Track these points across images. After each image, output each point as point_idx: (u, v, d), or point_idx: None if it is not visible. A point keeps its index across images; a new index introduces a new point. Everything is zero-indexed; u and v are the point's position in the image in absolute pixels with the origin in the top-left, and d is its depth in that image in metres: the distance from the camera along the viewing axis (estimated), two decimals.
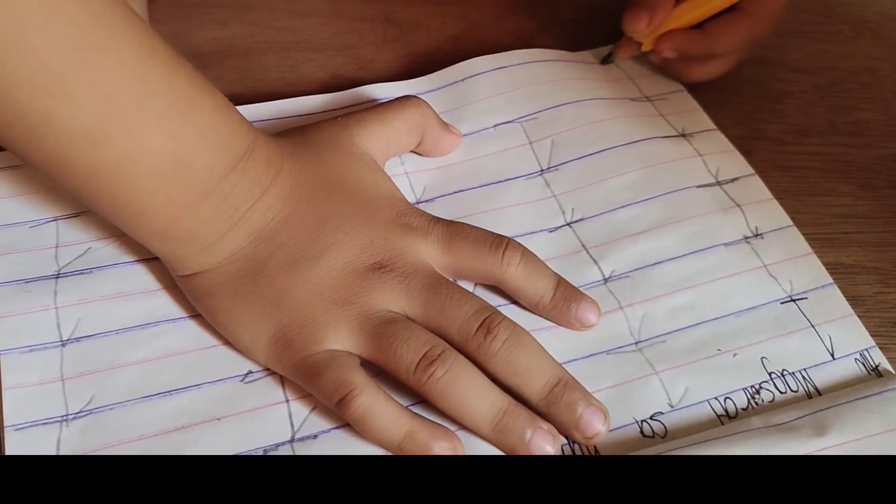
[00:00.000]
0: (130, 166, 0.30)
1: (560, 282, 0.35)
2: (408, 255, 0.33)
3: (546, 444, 0.31)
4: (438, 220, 0.35)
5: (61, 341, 0.33)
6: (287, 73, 0.44)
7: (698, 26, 0.43)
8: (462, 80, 0.43)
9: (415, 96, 0.38)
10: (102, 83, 0.28)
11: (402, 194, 0.36)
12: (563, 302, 0.34)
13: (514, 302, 0.35)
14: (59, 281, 0.34)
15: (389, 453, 0.31)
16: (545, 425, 0.31)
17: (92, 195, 0.30)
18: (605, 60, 0.45)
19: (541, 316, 0.35)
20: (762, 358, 0.34)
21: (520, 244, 0.35)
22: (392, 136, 0.37)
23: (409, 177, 0.39)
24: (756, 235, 0.38)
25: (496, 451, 0.31)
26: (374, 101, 0.41)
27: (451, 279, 0.34)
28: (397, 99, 0.38)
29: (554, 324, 0.35)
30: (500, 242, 0.34)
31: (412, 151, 0.39)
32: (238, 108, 0.40)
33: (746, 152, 0.41)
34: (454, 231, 0.34)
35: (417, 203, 0.38)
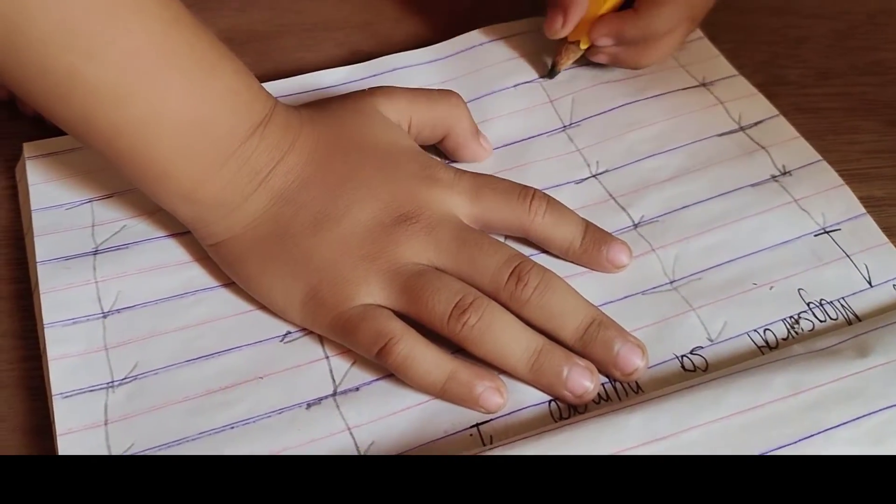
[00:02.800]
0: (155, 125, 0.30)
1: (588, 226, 0.35)
2: (433, 207, 0.33)
3: (584, 379, 0.31)
4: (464, 171, 0.35)
5: (103, 313, 0.33)
6: (307, 52, 0.44)
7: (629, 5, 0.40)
8: (480, 44, 0.43)
9: (456, 93, 0.38)
10: (125, 42, 0.29)
11: (423, 150, 0.36)
12: (594, 245, 0.34)
13: (545, 251, 0.35)
14: (98, 257, 0.35)
15: (433, 398, 0.31)
16: (582, 362, 0.31)
17: (119, 156, 0.31)
18: (551, 74, 0.42)
19: (571, 262, 0.35)
20: (799, 289, 0.34)
21: (546, 194, 0.35)
22: (415, 118, 0.36)
23: None
24: (784, 173, 0.38)
25: (537, 393, 0.31)
26: (393, 70, 0.42)
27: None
28: (436, 89, 0.38)
29: (586, 269, 0.35)
30: (527, 192, 0.34)
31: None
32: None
33: (768, 97, 0.41)
34: (481, 182, 0.35)
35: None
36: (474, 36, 0.43)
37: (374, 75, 0.42)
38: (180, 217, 0.33)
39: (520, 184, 0.35)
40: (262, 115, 0.33)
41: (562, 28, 0.39)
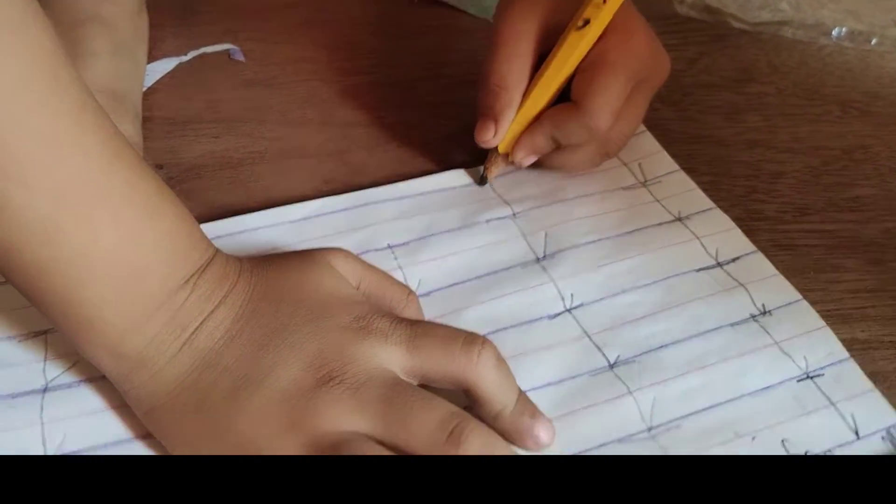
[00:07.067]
0: (83, 267, 0.29)
1: (521, 394, 0.32)
2: (360, 362, 0.30)
3: None
4: (402, 320, 0.32)
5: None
6: (280, 179, 0.44)
7: None
8: (452, 188, 0.43)
9: (413, 292, 0.36)
10: (60, 174, 0.28)
11: (366, 301, 0.33)
12: (522, 416, 0.31)
13: None
14: (46, 395, 0.33)
15: None
16: None
17: (43, 297, 0.29)
18: (482, 181, 0.43)
19: (494, 428, 0.31)
20: (783, 440, 0.32)
21: (494, 345, 0.31)
22: (364, 283, 0.34)
23: (404, 271, 0.38)
24: (764, 313, 0.37)
25: None
26: (366, 204, 0.41)
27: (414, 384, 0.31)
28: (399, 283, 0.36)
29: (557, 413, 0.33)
30: (474, 340, 0.31)
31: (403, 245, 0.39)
32: (227, 219, 0.40)
33: (746, 233, 0.41)
34: (419, 330, 0.31)
35: None
36: (448, 176, 0.43)
37: (346, 209, 0.41)
38: (105, 371, 0.31)
39: (464, 330, 0.32)
40: (197, 265, 0.31)
41: (493, 138, 0.41)
